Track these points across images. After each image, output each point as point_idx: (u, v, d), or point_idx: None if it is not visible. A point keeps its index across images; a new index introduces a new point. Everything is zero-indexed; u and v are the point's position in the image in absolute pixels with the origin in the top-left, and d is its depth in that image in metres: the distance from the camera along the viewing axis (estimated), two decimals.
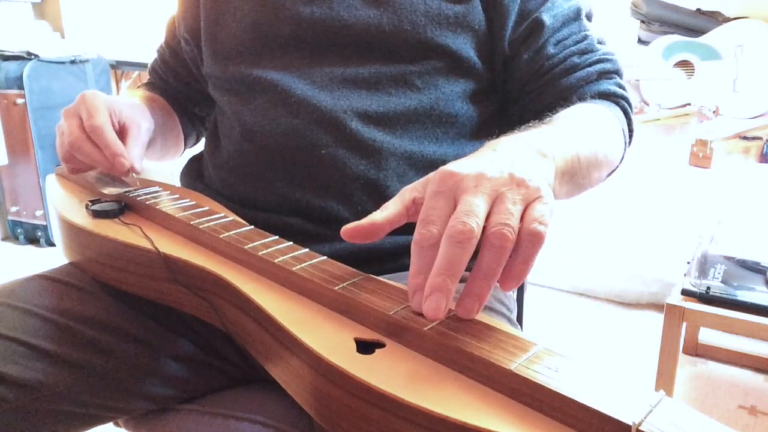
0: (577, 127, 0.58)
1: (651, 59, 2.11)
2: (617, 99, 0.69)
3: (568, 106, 0.64)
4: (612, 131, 0.64)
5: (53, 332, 0.59)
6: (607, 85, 0.68)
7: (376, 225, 0.44)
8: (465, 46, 0.67)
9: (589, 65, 0.68)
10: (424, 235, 0.41)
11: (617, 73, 0.70)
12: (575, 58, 0.68)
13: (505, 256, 0.39)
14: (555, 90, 0.68)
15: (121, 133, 0.67)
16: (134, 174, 0.66)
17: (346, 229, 0.45)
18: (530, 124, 0.56)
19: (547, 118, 0.59)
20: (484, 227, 0.40)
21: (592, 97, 0.67)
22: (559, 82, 0.68)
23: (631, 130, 0.70)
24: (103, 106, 0.66)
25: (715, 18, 2.14)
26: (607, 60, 0.69)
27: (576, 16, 0.70)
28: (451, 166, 0.44)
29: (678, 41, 2.11)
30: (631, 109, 0.70)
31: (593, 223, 1.99)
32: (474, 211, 0.40)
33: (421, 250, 0.41)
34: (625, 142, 0.68)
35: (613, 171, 0.68)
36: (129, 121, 0.69)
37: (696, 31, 2.14)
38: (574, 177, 0.54)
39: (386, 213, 0.45)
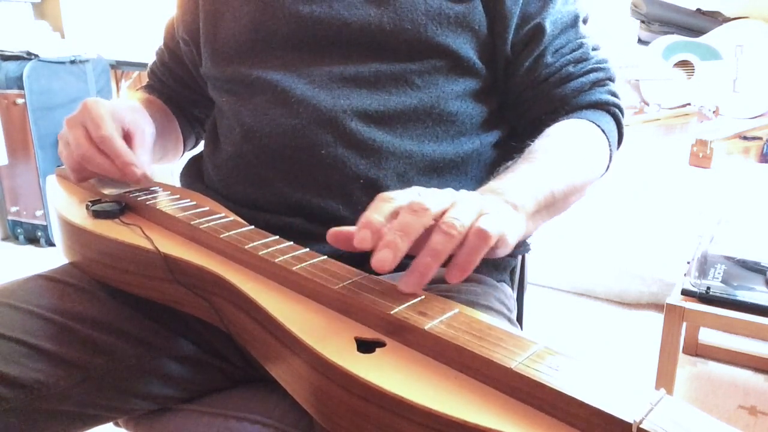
0: (554, 161, 0.62)
1: (651, 59, 2.12)
2: (608, 107, 0.71)
3: (559, 117, 0.68)
4: (592, 151, 0.67)
5: (53, 332, 0.59)
6: (599, 95, 0.71)
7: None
8: (465, 46, 0.67)
9: (583, 74, 0.70)
10: (384, 197, 0.47)
11: (610, 79, 0.73)
12: (570, 68, 0.70)
13: (450, 243, 0.43)
14: (549, 100, 0.70)
15: (126, 138, 0.66)
16: (146, 179, 0.66)
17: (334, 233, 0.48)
18: (508, 164, 0.61)
19: (528, 152, 0.62)
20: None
21: (584, 107, 0.70)
22: (554, 92, 0.70)
23: (621, 135, 0.73)
24: (108, 115, 0.64)
25: (715, 18, 2.14)
26: (600, 69, 0.71)
27: (573, 22, 0.71)
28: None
29: (678, 41, 2.12)
30: (623, 114, 0.73)
31: (593, 223, 1.99)
32: (434, 198, 0.45)
33: (381, 203, 0.46)
34: (611, 151, 0.70)
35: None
36: (133, 126, 0.68)
37: (696, 31, 2.14)
38: (551, 208, 0.59)
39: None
